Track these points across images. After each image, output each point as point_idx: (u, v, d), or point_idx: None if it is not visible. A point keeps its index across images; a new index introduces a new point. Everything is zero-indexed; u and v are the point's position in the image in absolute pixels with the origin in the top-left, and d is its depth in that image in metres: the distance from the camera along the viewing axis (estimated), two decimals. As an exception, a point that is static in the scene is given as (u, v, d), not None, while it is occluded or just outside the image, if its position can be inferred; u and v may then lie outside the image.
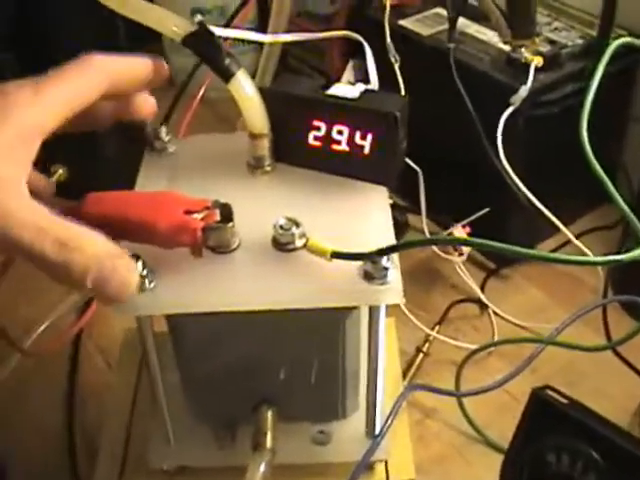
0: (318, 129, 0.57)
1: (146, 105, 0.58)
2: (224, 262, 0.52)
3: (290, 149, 0.59)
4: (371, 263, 0.50)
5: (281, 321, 0.54)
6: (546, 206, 0.85)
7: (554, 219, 0.85)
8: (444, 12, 0.97)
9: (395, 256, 0.52)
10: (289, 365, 0.59)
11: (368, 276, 0.50)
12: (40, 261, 0.46)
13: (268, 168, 0.59)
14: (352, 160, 0.57)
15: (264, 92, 0.57)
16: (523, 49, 0.88)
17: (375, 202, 0.57)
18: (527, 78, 0.85)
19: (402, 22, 0.99)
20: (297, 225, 0.52)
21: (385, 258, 0.50)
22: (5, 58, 0.93)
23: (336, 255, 0.51)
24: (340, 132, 0.57)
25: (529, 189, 0.84)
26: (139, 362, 0.73)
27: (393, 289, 0.51)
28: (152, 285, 0.51)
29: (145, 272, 0.50)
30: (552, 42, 0.93)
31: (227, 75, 0.55)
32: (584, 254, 0.86)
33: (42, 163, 0.50)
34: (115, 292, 0.47)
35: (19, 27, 0.93)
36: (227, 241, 0.52)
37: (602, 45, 0.78)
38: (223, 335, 0.57)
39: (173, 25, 0.56)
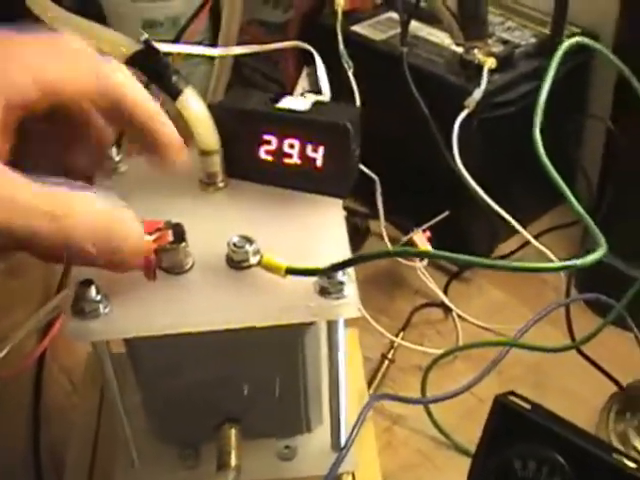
0: (269, 143, 0.57)
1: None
2: (178, 283, 0.52)
3: (242, 164, 0.58)
4: (326, 278, 0.50)
5: (239, 339, 0.54)
6: (506, 207, 0.85)
7: (512, 221, 0.85)
8: (397, 16, 0.97)
9: (351, 269, 0.51)
10: (250, 383, 0.58)
11: (324, 291, 0.50)
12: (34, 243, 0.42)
13: (221, 184, 0.59)
14: (305, 173, 0.56)
15: (213, 108, 0.57)
16: (476, 50, 0.87)
17: (330, 215, 0.56)
18: (481, 80, 0.85)
19: (355, 28, 0.99)
20: (251, 242, 0.51)
21: (340, 272, 0.50)
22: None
23: (291, 271, 0.50)
24: (291, 145, 0.56)
25: (487, 191, 0.84)
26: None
27: (349, 303, 0.50)
28: (106, 310, 0.50)
29: (99, 297, 0.50)
30: (505, 42, 0.93)
31: (174, 93, 0.55)
32: (544, 255, 0.86)
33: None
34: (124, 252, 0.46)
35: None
36: (180, 262, 0.52)
37: (555, 44, 0.78)
38: (181, 356, 0.56)
39: (119, 44, 0.55)
